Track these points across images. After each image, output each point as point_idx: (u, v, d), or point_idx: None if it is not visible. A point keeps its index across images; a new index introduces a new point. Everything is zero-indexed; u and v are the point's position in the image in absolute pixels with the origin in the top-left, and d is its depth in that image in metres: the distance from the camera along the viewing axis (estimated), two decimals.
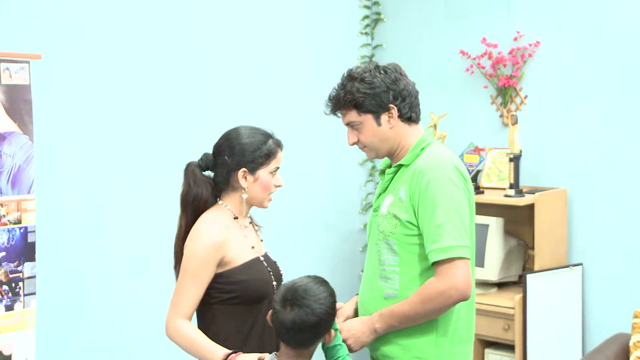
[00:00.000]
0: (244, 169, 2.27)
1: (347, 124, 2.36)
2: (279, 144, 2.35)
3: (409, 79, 2.38)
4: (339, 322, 2.37)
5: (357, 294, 2.49)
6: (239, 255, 2.26)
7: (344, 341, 2.27)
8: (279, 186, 2.36)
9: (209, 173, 2.34)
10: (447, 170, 2.24)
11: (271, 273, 2.32)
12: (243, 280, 2.23)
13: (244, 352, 2.15)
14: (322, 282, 2.16)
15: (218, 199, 2.33)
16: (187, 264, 2.21)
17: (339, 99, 2.33)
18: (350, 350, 2.29)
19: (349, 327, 2.30)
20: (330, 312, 2.13)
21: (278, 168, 2.34)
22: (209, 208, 2.31)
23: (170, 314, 2.22)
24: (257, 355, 2.16)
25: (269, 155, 2.30)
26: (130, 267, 3.23)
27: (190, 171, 2.32)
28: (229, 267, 2.24)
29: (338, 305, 2.33)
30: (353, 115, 2.32)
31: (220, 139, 2.34)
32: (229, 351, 2.14)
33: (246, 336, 2.25)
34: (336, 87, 2.37)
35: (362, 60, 4.37)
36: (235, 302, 2.24)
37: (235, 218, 2.31)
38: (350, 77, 2.34)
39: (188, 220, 2.30)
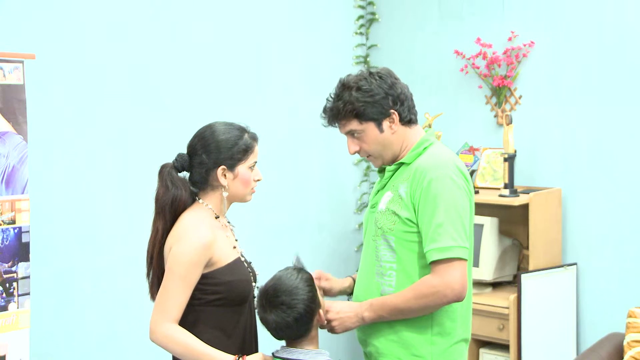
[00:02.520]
0: (222, 166, 2.21)
1: (347, 133, 2.34)
2: (254, 138, 2.29)
3: (402, 81, 2.37)
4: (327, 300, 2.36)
5: (349, 276, 2.52)
6: (224, 255, 2.22)
7: (329, 321, 2.27)
8: (259, 180, 2.31)
9: (184, 174, 2.28)
10: (449, 170, 2.23)
11: (250, 274, 2.30)
12: (228, 282, 2.19)
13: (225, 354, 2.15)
14: (294, 271, 2.18)
15: (198, 199, 2.27)
16: (176, 265, 2.13)
17: (339, 110, 2.29)
18: (333, 331, 2.29)
19: (338, 309, 2.28)
20: (308, 301, 2.14)
21: (256, 162, 2.28)
22: (188, 208, 2.25)
23: (158, 318, 2.13)
24: (261, 354, 2.18)
25: (247, 150, 2.24)
26: (124, 267, 3.22)
27: (167, 172, 2.23)
28: (214, 268, 2.18)
29: (325, 282, 2.40)
30: (354, 125, 2.29)
31: (194, 137, 2.28)
32: (234, 356, 2.12)
33: (228, 338, 2.21)
34: (330, 98, 2.33)
35: (356, 61, 4.37)
36: (219, 303, 2.19)
37: (217, 217, 2.27)
38: (345, 86, 2.30)
39: (166, 223, 2.22)
